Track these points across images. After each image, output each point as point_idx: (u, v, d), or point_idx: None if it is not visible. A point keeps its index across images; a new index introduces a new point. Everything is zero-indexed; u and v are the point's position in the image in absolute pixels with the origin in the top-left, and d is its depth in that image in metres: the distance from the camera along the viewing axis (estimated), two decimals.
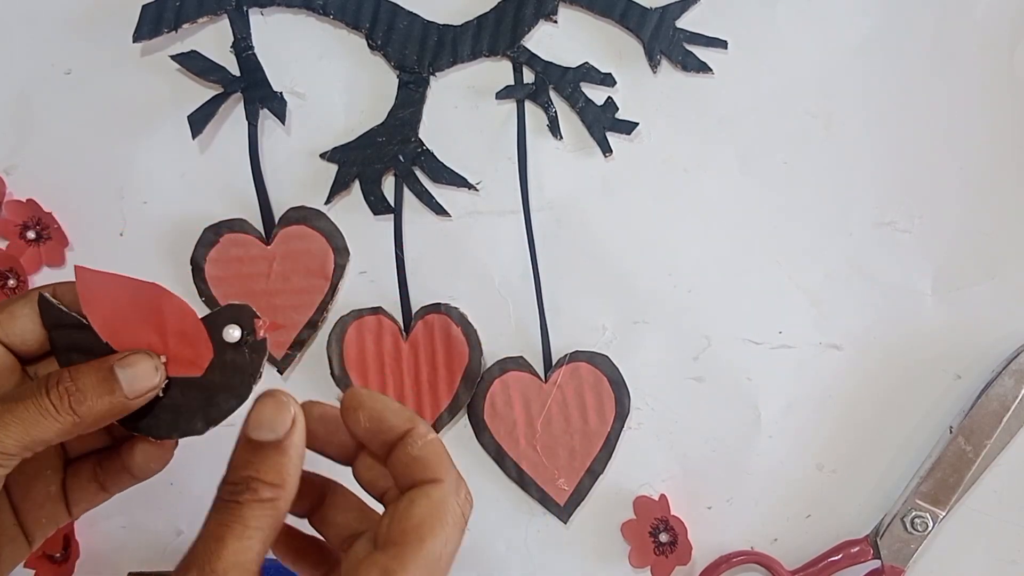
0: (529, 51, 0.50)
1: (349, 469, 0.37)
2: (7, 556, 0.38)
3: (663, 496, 0.50)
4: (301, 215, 0.51)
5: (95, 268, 0.38)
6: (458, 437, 0.51)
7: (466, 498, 0.34)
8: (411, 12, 0.50)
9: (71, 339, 0.37)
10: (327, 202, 0.51)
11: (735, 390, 0.50)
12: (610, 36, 0.50)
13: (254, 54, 0.51)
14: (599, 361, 0.50)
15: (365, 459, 0.36)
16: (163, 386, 0.36)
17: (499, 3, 0.50)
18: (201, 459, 0.52)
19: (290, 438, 0.33)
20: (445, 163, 0.51)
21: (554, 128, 0.50)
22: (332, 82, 0.51)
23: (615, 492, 0.51)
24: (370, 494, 0.36)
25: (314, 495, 0.37)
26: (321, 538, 0.37)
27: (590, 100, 0.50)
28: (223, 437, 0.53)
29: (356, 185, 0.51)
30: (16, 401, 0.33)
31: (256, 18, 0.51)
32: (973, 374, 0.49)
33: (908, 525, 0.48)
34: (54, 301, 0.37)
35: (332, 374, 0.51)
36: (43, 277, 0.52)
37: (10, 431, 0.33)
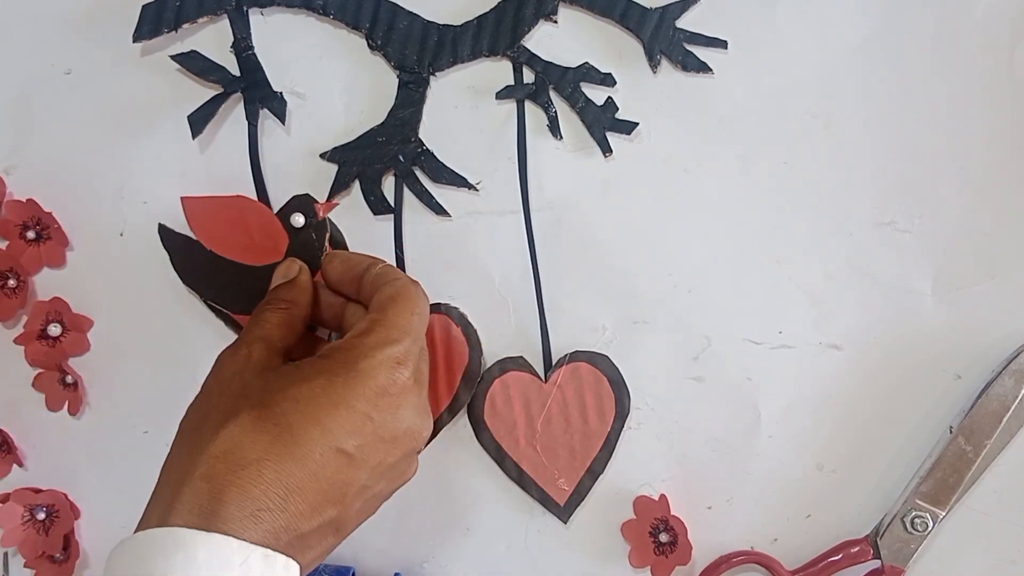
0: (529, 51, 0.50)
1: None
2: None
3: (663, 496, 0.50)
4: None
5: (198, 196, 0.50)
6: (458, 437, 0.51)
7: (423, 288, 0.46)
8: (411, 12, 0.50)
9: (187, 254, 0.50)
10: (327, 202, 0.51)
11: (735, 390, 0.50)
12: (610, 36, 0.50)
13: (254, 54, 0.51)
14: (599, 361, 0.50)
15: (350, 307, 0.48)
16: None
17: (499, 3, 0.50)
18: None
19: (298, 277, 0.47)
20: (445, 163, 0.51)
21: (554, 128, 0.50)
22: (332, 82, 0.51)
23: (615, 492, 0.51)
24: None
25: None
26: None
27: (590, 100, 0.50)
28: None
29: (356, 185, 0.51)
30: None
31: (256, 18, 0.51)
32: (973, 374, 0.49)
33: (908, 525, 0.48)
34: (169, 227, 0.50)
35: None
36: (43, 277, 0.52)
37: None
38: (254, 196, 0.51)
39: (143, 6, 0.50)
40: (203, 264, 0.50)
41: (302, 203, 0.49)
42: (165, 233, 0.50)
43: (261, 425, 0.38)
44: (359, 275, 0.46)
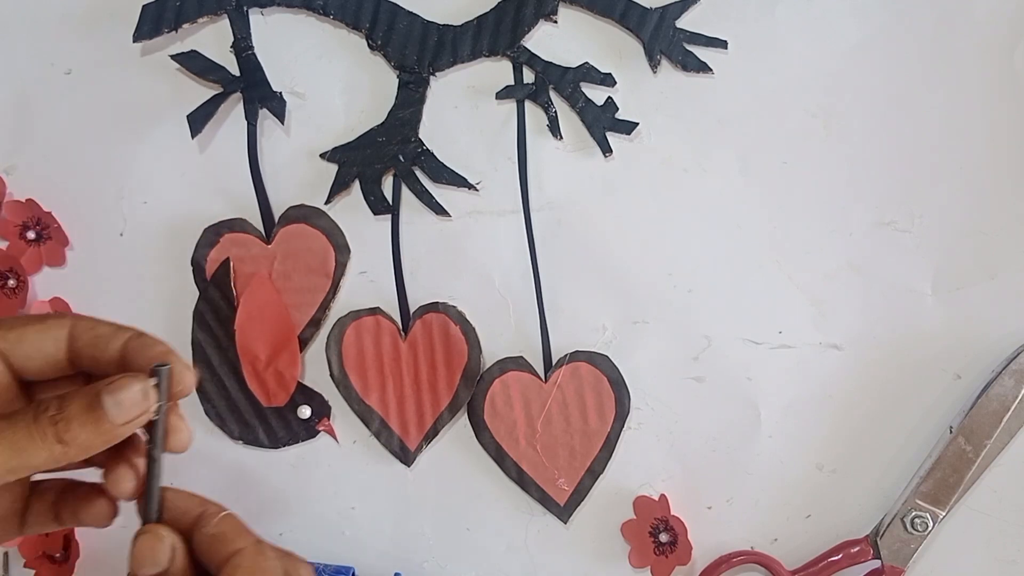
0: (529, 51, 0.50)
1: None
2: None
3: (663, 496, 0.50)
4: (301, 214, 0.51)
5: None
6: (458, 437, 0.51)
7: (274, 554, 0.36)
8: (411, 12, 0.50)
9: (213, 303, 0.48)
10: (327, 202, 0.51)
11: (735, 390, 0.50)
12: (610, 36, 0.50)
13: (254, 54, 0.51)
14: (599, 361, 0.50)
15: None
16: (154, 408, 0.35)
17: (499, 3, 0.50)
18: (201, 460, 0.52)
19: (173, 566, 0.35)
20: (445, 163, 0.51)
21: (554, 128, 0.50)
22: (332, 82, 0.51)
23: (615, 492, 0.51)
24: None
25: None
26: None
27: (590, 100, 0.50)
28: (223, 439, 0.53)
29: (356, 185, 0.51)
30: (5, 422, 0.33)
31: (256, 18, 0.51)
32: (973, 374, 0.49)
33: (908, 525, 0.48)
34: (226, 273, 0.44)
35: (331, 375, 0.51)
36: (43, 277, 0.52)
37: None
38: (253, 196, 0.51)
39: (143, 6, 0.50)
40: (218, 329, 0.51)
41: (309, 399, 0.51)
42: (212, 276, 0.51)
43: None
44: (187, 528, 0.36)
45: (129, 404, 0.34)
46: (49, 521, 0.39)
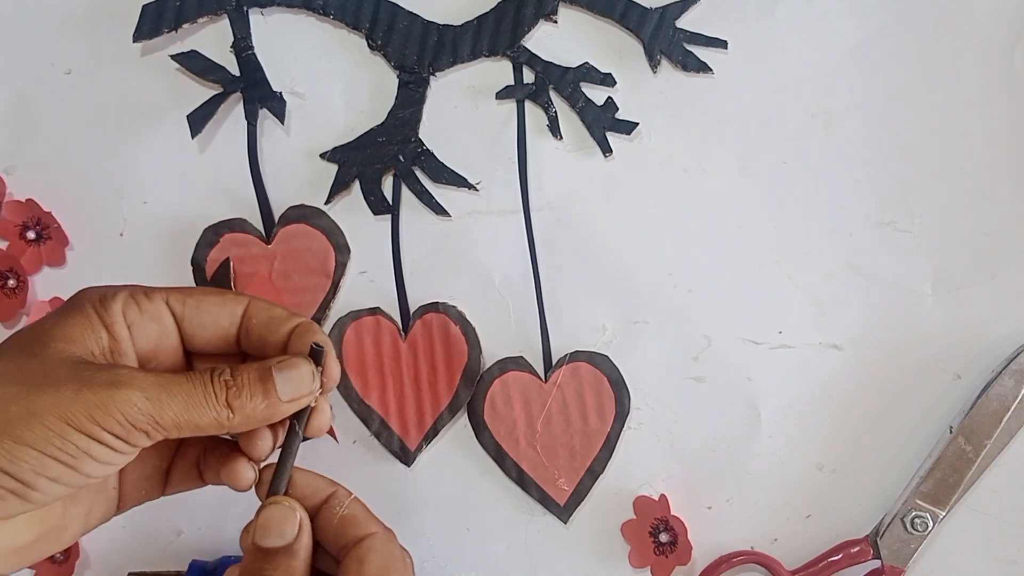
0: (529, 51, 0.50)
1: None
2: (96, 513, 0.38)
3: (663, 496, 0.50)
4: (301, 214, 0.51)
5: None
6: (458, 437, 0.51)
7: (402, 547, 0.37)
8: (411, 12, 0.50)
9: None
10: (327, 202, 0.51)
11: (735, 390, 0.50)
12: (610, 36, 0.50)
13: (254, 54, 0.51)
14: (599, 361, 0.50)
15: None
16: (317, 393, 0.37)
17: (499, 3, 0.50)
18: None
19: (299, 541, 0.36)
20: (445, 163, 0.51)
21: (554, 128, 0.50)
22: (332, 82, 0.51)
23: (615, 492, 0.51)
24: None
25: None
26: None
27: (590, 100, 0.50)
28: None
29: (356, 185, 0.51)
30: (182, 379, 0.35)
31: (256, 18, 0.51)
32: (973, 374, 0.49)
33: (908, 525, 0.48)
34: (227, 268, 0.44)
35: None
36: (43, 277, 0.52)
37: (173, 404, 0.34)
38: (253, 196, 0.51)
39: (143, 6, 0.50)
40: None
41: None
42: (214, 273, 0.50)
43: None
44: (314, 506, 0.38)
45: (297, 383, 0.36)
46: (193, 479, 0.40)
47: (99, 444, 0.33)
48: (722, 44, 0.49)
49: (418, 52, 0.50)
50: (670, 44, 0.49)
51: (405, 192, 0.51)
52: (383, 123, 0.51)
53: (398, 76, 0.50)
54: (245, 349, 0.39)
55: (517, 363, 0.50)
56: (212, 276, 0.51)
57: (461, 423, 0.51)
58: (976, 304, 0.49)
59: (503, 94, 0.50)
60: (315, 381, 0.37)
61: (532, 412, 0.50)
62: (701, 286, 0.50)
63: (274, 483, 0.37)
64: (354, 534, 0.36)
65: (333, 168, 0.51)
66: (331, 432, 0.51)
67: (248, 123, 0.51)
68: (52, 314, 0.36)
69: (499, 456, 0.50)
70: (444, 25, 0.50)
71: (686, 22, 0.49)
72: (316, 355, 0.37)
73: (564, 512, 0.51)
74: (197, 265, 0.51)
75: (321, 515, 0.37)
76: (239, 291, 0.39)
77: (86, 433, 0.32)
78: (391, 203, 0.51)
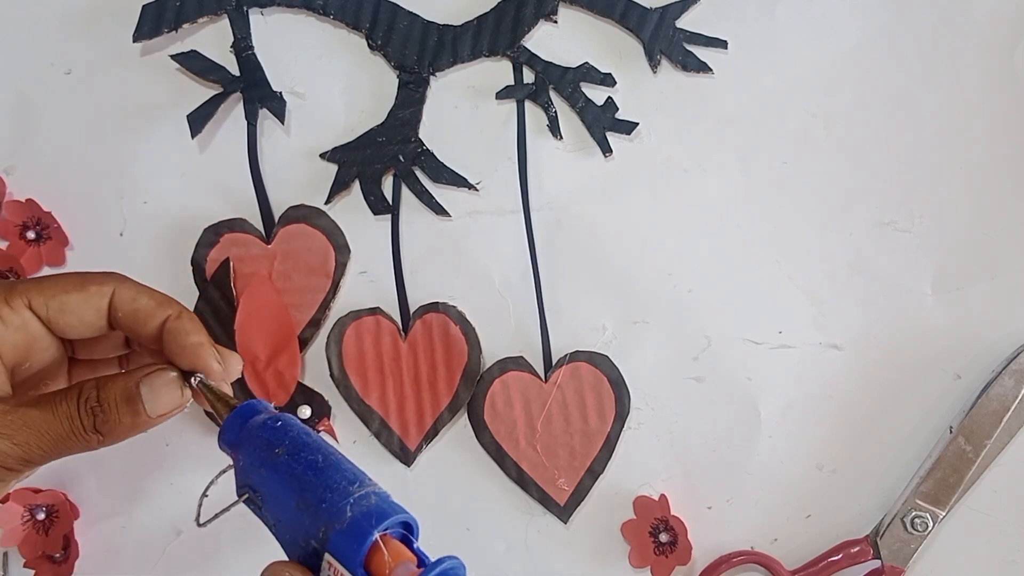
0: (529, 51, 0.50)
1: None
2: None
3: (663, 496, 0.50)
4: (301, 214, 0.51)
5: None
6: (458, 437, 0.51)
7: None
8: (411, 12, 0.50)
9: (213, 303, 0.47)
10: (327, 202, 0.51)
11: (735, 390, 0.50)
12: (610, 36, 0.50)
13: (254, 54, 0.51)
14: (599, 361, 0.50)
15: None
16: (188, 403, 0.36)
17: (499, 3, 0.50)
18: (201, 461, 0.52)
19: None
20: (445, 163, 0.51)
21: (554, 128, 0.50)
22: (332, 82, 0.51)
23: (615, 492, 0.51)
24: None
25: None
26: None
27: (590, 100, 0.50)
28: None
29: (356, 185, 0.51)
30: (48, 415, 0.34)
31: (256, 18, 0.51)
32: (973, 374, 0.49)
33: (908, 525, 0.48)
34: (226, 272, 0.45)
35: (331, 375, 0.51)
36: None
37: (41, 443, 0.34)
38: (253, 196, 0.51)
39: (143, 6, 0.50)
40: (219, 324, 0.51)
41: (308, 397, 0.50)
42: (213, 276, 0.50)
43: None
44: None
45: (165, 399, 0.36)
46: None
47: None
48: (722, 44, 0.49)
49: (418, 52, 0.50)
50: (670, 44, 0.49)
51: (405, 192, 0.51)
52: (383, 123, 0.51)
53: (398, 76, 0.50)
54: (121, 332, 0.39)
55: (517, 363, 0.50)
56: (212, 276, 0.51)
57: (461, 423, 0.51)
58: (976, 304, 0.49)
59: (503, 94, 0.50)
60: (185, 394, 0.36)
61: (532, 412, 0.50)
62: (701, 286, 0.50)
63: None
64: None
65: (333, 168, 0.51)
66: (331, 432, 0.51)
67: (248, 123, 0.51)
68: None
69: (499, 456, 0.50)
70: (444, 25, 0.50)
71: (686, 22, 0.49)
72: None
73: (564, 512, 0.51)
74: (197, 265, 0.51)
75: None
76: (104, 278, 0.38)
77: None
78: (391, 203, 0.51)
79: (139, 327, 0.37)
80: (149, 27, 0.50)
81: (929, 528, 0.48)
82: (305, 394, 0.51)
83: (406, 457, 0.51)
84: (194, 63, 0.50)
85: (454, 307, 0.50)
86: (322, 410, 0.51)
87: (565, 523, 0.51)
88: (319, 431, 0.51)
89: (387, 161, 0.51)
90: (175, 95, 0.51)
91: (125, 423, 0.35)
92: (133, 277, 0.52)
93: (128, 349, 0.41)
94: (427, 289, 0.51)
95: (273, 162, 0.51)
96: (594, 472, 0.50)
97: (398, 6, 0.50)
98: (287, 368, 0.50)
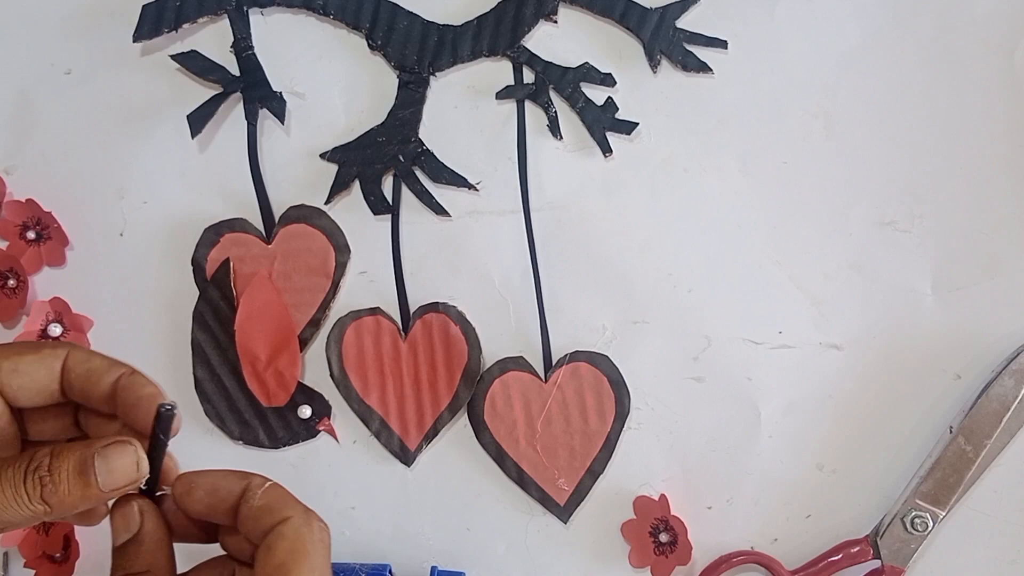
0: (529, 51, 0.50)
1: None
2: None
3: (663, 496, 0.50)
4: (301, 214, 0.51)
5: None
6: (458, 437, 0.51)
7: (320, 527, 0.35)
8: (411, 12, 0.50)
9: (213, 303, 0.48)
10: (327, 202, 0.51)
11: (735, 390, 0.50)
12: (610, 36, 0.50)
13: (254, 54, 0.51)
14: (599, 361, 0.50)
15: (224, 532, 0.37)
16: (144, 478, 0.35)
17: (499, 3, 0.50)
18: (201, 460, 0.52)
19: (143, 529, 0.35)
20: (445, 163, 0.51)
21: (554, 128, 0.50)
22: (332, 82, 0.51)
23: (615, 492, 0.51)
24: (242, 561, 0.37)
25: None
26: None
27: (590, 100, 0.50)
28: (222, 439, 0.53)
29: (356, 185, 0.51)
30: None
31: (256, 18, 0.51)
32: (973, 374, 0.49)
33: (908, 525, 0.48)
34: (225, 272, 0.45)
35: (331, 375, 0.51)
36: (44, 277, 0.52)
37: None
38: (253, 196, 0.51)
39: (143, 6, 0.50)
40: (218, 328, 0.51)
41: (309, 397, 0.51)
42: (213, 276, 0.50)
43: None
44: (232, 506, 0.35)
45: (120, 472, 0.34)
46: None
47: None
48: (722, 44, 0.49)
49: (418, 52, 0.50)
50: (670, 44, 0.49)
51: (405, 192, 0.51)
52: (383, 123, 0.51)
53: (398, 76, 0.50)
54: (72, 399, 0.37)
55: (517, 363, 0.50)
56: (212, 277, 0.51)
57: (461, 423, 0.51)
58: (976, 304, 0.49)
59: (503, 94, 0.50)
60: (140, 468, 0.34)
61: (532, 412, 0.50)
62: (701, 286, 0.50)
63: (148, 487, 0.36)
64: (269, 522, 0.34)
65: (333, 168, 0.51)
66: (332, 432, 0.51)
67: (248, 123, 0.51)
68: None
69: (499, 456, 0.50)
70: (444, 25, 0.50)
71: (686, 22, 0.49)
72: (163, 419, 0.35)
73: (564, 512, 0.51)
74: (197, 265, 0.51)
75: (241, 511, 0.35)
76: (58, 344, 0.37)
77: None
78: (391, 203, 0.51)
79: (92, 387, 0.36)
80: (149, 27, 0.50)
81: (929, 528, 0.48)
82: (305, 394, 0.51)
83: (406, 457, 0.51)
84: (194, 63, 0.51)
85: (454, 307, 0.50)
86: (322, 410, 0.51)
87: (565, 523, 0.51)
88: (319, 431, 0.51)
89: (387, 161, 0.51)
90: (175, 95, 0.51)
91: (74, 495, 0.33)
92: (133, 277, 0.52)
93: (79, 432, 0.39)
94: (427, 289, 0.51)
95: (273, 162, 0.51)
96: (594, 472, 0.50)
97: (398, 6, 0.50)
98: (287, 368, 0.50)
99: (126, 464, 0.34)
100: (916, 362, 0.49)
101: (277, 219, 0.51)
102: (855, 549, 0.49)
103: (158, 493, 0.36)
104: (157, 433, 0.35)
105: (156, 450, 0.35)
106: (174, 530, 0.37)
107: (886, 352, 0.49)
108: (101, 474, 0.34)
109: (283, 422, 0.51)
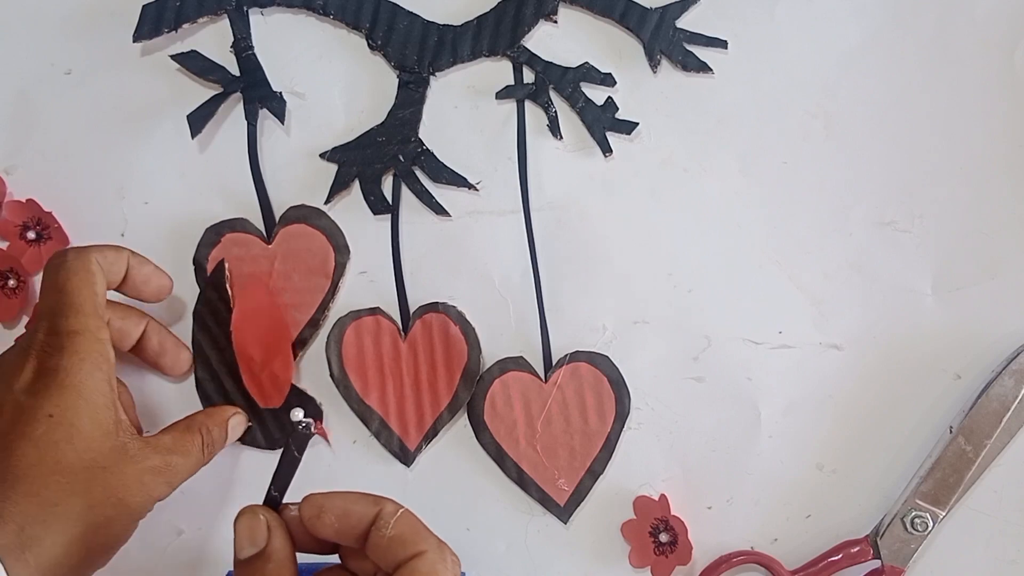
0: (529, 51, 0.50)
1: None
2: None
3: (663, 496, 0.50)
4: (301, 214, 0.51)
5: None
6: (458, 437, 0.51)
7: (452, 560, 0.36)
8: (411, 12, 0.50)
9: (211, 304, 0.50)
10: (327, 202, 0.51)
11: (735, 390, 0.50)
12: (610, 36, 0.50)
13: (254, 54, 0.51)
14: (599, 361, 0.50)
15: (346, 549, 0.38)
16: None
17: (499, 3, 0.50)
18: None
19: (271, 544, 0.37)
20: (445, 163, 0.51)
21: (554, 128, 0.50)
22: (332, 82, 0.51)
23: (615, 492, 0.51)
24: None
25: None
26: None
27: (590, 100, 0.50)
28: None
29: (356, 185, 0.51)
30: (178, 455, 0.45)
31: (256, 18, 0.51)
32: (973, 374, 0.49)
33: (908, 525, 0.48)
34: (222, 271, 0.50)
35: (331, 375, 0.51)
36: None
37: (173, 481, 0.44)
38: (254, 196, 0.51)
39: (143, 6, 0.50)
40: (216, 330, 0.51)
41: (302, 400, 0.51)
42: (211, 275, 0.51)
43: None
44: (363, 532, 0.36)
45: (239, 430, 0.50)
46: None
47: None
48: (722, 44, 0.49)
49: (418, 52, 0.50)
50: (670, 44, 0.49)
51: (405, 192, 0.51)
52: (383, 123, 0.51)
53: (398, 76, 0.50)
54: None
55: (517, 363, 0.50)
56: (208, 278, 0.51)
57: (461, 423, 0.51)
58: (976, 304, 0.49)
59: (503, 94, 0.50)
60: (242, 426, 0.50)
61: (532, 412, 0.50)
62: (701, 286, 0.50)
63: (268, 500, 0.37)
64: (402, 555, 0.35)
65: (333, 168, 0.51)
66: (323, 435, 0.51)
67: (248, 123, 0.51)
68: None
69: (499, 456, 0.50)
70: (444, 25, 0.50)
71: (686, 22, 0.49)
72: (299, 437, 0.37)
73: (564, 512, 0.51)
74: (199, 265, 0.51)
75: (372, 538, 0.36)
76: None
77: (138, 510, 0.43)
78: (391, 203, 0.51)
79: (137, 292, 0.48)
80: (149, 27, 0.50)
81: (929, 528, 0.48)
82: (298, 397, 0.51)
83: (406, 457, 0.51)
84: (194, 63, 0.51)
85: (454, 307, 0.50)
86: (315, 414, 0.51)
87: (565, 523, 0.51)
88: (312, 434, 0.51)
89: (387, 161, 0.51)
90: (175, 95, 0.51)
91: (219, 449, 0.47)
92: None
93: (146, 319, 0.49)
94: (427, 289, 0.51)
95: (273, 162, 0.51)
96: (594, 472, 0.50)
97: (398, 6, 0.50)
98: (281, 371, 0.50)
99: (242, 425, 0.50)
100: (916, 362, 0.49)
101: (277, 219, 0.51)
102: (855, 549, 0.49)
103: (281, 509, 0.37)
104: (292, 448, 0.36)
105: (287, 466, 0.36)
106: (297, 544, 0.37)
107: (886, 352, 0.49)
108: (232, 432, 0.49)
109: (279, 423, 0.51)
